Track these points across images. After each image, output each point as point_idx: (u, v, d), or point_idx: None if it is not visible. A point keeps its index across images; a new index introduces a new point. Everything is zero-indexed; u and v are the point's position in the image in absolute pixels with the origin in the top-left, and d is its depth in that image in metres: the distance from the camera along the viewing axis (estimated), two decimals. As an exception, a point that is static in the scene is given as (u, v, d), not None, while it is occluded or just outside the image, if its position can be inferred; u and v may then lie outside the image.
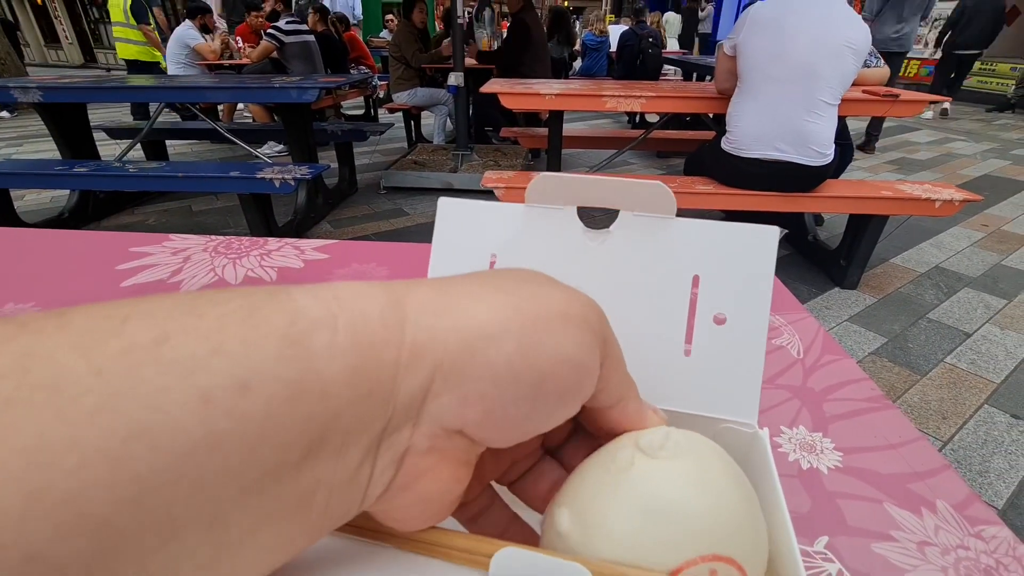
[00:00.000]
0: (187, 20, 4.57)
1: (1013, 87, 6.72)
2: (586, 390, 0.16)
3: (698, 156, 2.29)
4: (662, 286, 0.24)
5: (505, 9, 4.31)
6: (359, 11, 7.31)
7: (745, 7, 2.67)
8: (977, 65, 7.83)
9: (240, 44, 4.93)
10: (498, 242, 0.25)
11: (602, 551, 0.15)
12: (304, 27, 3.87)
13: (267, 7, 4.37)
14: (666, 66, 5.35)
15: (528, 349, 0.14)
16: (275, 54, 3.85)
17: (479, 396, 0.14)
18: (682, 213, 0.23)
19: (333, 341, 0.12)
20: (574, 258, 0.25)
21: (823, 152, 1.91)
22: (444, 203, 0.25)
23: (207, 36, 4.71)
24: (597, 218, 0.21)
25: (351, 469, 0.13)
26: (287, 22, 3.77)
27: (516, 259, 0.25)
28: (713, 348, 0.23)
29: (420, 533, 0.16)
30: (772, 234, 0.23)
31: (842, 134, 2.30)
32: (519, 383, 0.14)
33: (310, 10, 4.46)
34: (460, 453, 0.15)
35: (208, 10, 4.88)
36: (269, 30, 3.80)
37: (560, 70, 4.79)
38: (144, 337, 0.11)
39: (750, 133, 1.95)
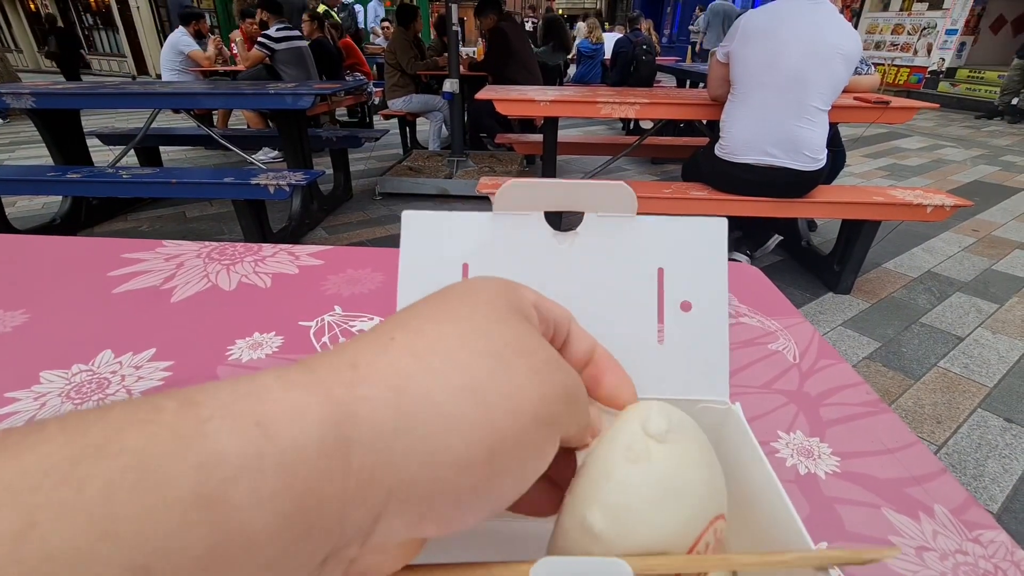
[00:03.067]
0: (180, 27, 4.51)
1: (998, 94, 6.82)
2: (546, 468, 0.15)
3: (693, 162, 2.31)
4: (630, 281, 0.25)
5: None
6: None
7: (738, 15, 2.69)
8: (966, 73, 7.98)
9: (235, 50, 4.91)
10: (468, 251, 0.25)
11: (641, 541, 0.16)
12: (295, 33, 3.88)
13: (259, 17, 4.36)
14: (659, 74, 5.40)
15: (497, 473, 0.13)
16: (267, 61, 3.86)
17: (438, 516, 0.13)
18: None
19: (259, 488, 0.10)
20: (544, 261, 0.25)
21: (815, 157, 1.92)
22: (408, 216, 0.25)
23: (200, 42, 4.68)
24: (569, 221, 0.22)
25: None
26: (277, 29, 3.78)
27: (488, 266, 0.25)
28: (683, 333, 0.25)
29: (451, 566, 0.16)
30: (721, 224, 0.25)
31: (834, 140, 2.32)
32: (484, 500, 0.14)
33: (305, 17, 4.47)
34: (413, 542, 0.14)
35: (202, 16, 4.85)
36: (260, 38, 3.81)
37: (555, 77, 4.82)
38: (5, 529, 0.08)
39: (742, 139, 1.97)
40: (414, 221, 0.25)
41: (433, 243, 0.25)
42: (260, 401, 0.11)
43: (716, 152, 2.07)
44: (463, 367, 0.14)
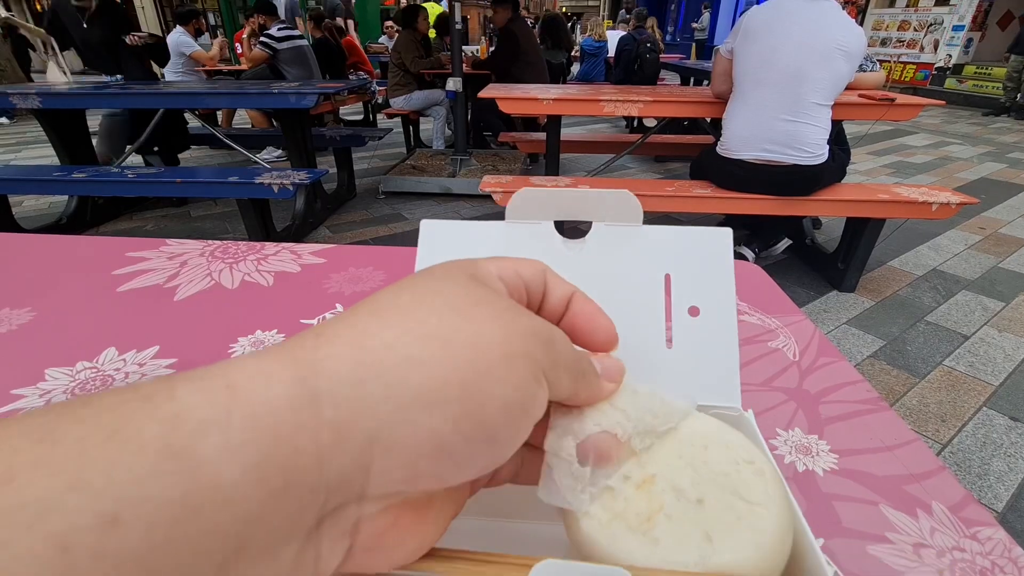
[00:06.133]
0: (178, 26, 4.36)
1: (1003, 91, 6.76)
2: (539, 412, 0.15)
3: (698, 161, 2.31)
4: (638, 287, 0.25)
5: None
6: None
7: (742, 13, 2.68)
8: (972, 69, 7.91)
9: (240, 49, 4.91)
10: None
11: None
12: (295, 32, 3.93)
13: (255, 21, 4.35)
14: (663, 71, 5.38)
15: (474, 408, 0.13)
16: (270, 60, 3.88)
17: (429, 464, 0.13)
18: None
19: (226, 441, 0.11)
20: (556, 268, 0.26)
21: (813, 152, 1.91)
22: (427, 225, 0.26)
23: (197, 40, 4.59)
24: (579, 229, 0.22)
25: (287, 563, 0.12)
26: (278, 29, 3.82)
27: None
28: (691, 338, 0.25)
29: (454, 554, 0.16)
30: (726, 234, 0.25)
31: (839, 139, 2.31)
32: (470, 441, 0.13)
33: (307, 17, 4.47)
34: (421, 497, 0.14)
35: (200, 13, 4.76)
36: (262, 38, 3.86)
37: (558, 75, 4.81)
38: None
39: (741, 135, 1.97)
40: (432, 230, 0.26)
41: (448, 252, 0.26)
42: (229, 369, 0.12)
43: (717, 149, 2.07)
44: (422, 319, 0.14)
